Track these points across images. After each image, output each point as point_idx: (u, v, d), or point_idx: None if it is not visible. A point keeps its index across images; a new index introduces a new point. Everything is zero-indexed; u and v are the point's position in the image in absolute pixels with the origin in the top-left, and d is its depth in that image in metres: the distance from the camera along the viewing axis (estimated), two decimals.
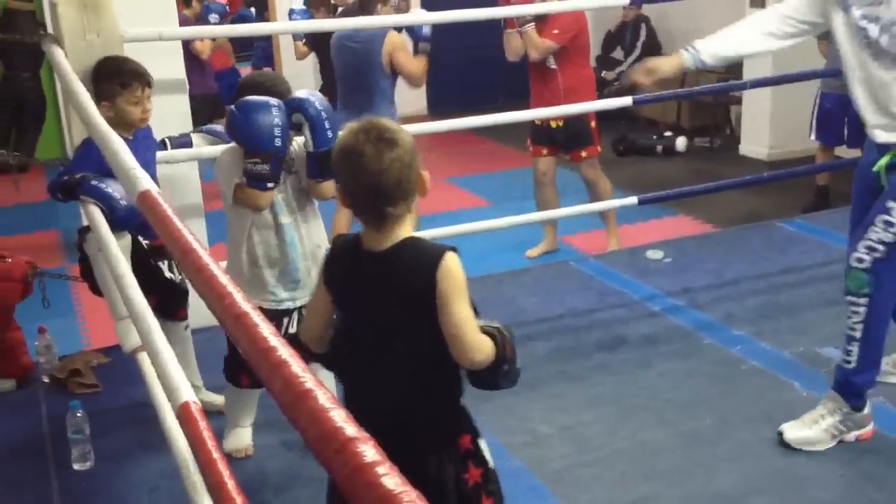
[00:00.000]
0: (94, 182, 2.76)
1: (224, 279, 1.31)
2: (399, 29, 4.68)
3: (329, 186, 2.68)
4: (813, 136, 6.02)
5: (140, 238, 2.94)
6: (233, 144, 2.74)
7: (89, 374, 3.49)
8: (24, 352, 3.58)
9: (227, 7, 8.04)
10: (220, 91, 6.81)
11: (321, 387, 0.96)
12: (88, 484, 2.91)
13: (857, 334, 2.77)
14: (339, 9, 5.98)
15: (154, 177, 2.80)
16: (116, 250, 2.41)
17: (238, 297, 1.24)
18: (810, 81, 5.70)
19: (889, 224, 2.68)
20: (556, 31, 4.81)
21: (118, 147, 2.22)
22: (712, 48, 2.91)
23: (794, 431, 2.89)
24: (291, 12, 6.05)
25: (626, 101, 4.36)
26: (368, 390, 1.85)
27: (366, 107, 4.45)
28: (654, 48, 8.55)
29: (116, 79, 2.96)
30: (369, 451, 0.84)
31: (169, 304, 3.05)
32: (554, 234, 5.42)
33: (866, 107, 2.74)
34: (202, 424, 1.56)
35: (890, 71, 2.65)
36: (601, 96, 6.03)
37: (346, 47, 4.69)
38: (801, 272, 4.31)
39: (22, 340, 3.58)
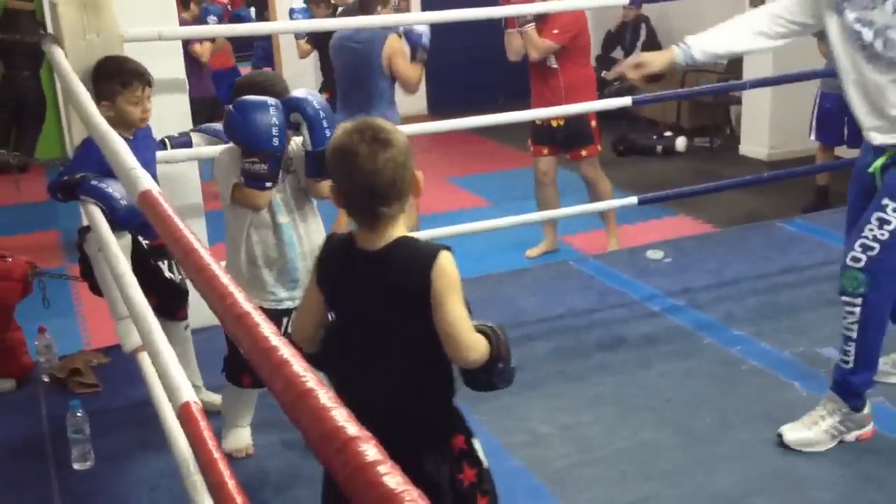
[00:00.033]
0: (94, 182, 2.76)
1: (225, 279, 1.31)
2: (398, 32, 4.68)
3: (328, 185, 2.68)
4: (813, 136, 6.03)
5: (140, 238, 2.94)
6: (231, 144, 2.74)
7: (89, 374, 3.49)
8: (24, 351, 3.58)
9: (230, 6, 8.04)
10: (221, 91, 6.81)
11: (323, 386, 0.96)
12: (88, 484, 2.91)
13: (853, 334, 2.76)
14: (340, 8, 5.99)
15: (154, 176, 2.80)
16: (116, 250, 2.41)
17: (239, 297, 1.24)
18: (810, 81, 5.70)
19: (884, 221, 2.67)
20: (556, 31, 4.81)
21: (118, 147, 2.22)
22: (703, 45, 2.91)
23: (793, 433, 2.88)
24: (292, 11, 6.04)
25: (626, 101, 4.36)
26: (361, 390, 1.84)
27: (365, 107, 4.46)
28: (654, 48, 8.47)
29: (117, 78, 2.96)
30: (371, 450, 0.84)
31: (169, 303, 3.05)
32: (554, 234, 5.42)
33: (861, 109, 2.74)
34: (203, 424, 1.56)
35: (884, 74, 2.65)
36: (601, 96, 6.04)
37: (346, 47, 4.70)
38: (800, 272, 4.31)
39: (22, 340, 3.58)
